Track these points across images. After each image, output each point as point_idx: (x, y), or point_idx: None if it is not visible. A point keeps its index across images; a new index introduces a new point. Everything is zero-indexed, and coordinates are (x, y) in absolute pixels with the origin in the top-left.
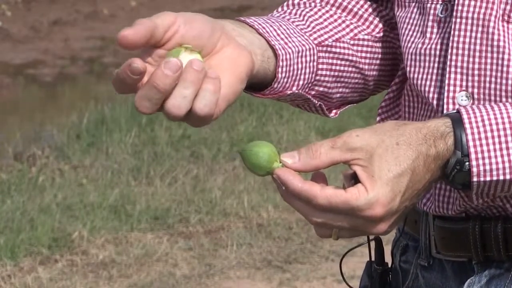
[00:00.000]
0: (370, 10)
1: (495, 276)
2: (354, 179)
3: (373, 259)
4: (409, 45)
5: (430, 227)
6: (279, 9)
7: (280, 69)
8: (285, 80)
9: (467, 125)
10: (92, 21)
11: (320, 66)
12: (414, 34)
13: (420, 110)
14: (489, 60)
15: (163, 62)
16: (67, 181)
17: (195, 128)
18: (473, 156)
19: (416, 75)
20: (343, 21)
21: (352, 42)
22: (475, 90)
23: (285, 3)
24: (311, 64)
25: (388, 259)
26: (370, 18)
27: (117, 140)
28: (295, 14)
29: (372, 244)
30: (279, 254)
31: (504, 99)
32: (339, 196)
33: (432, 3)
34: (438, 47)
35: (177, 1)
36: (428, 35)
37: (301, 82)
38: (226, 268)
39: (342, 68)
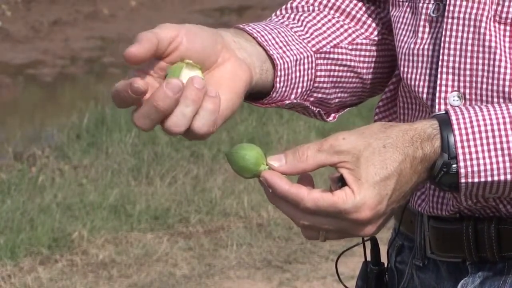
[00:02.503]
0: (368, 12)
1: (488, 277)
2: (341, 182)
3: (369, 259)
4: (402, 44)
5: (425, 228)
6: (278, 12)
7: (278, 79)
8: (283, 89)
9: (455, 126)
10: (92, 21)
11: (318, 73)
12: (407, 33)
13: (415, 111)
14: (480, 61)
15: (164, 82)
16: (67, 181)
17: None
18: (461, 157)
19: (409, 75)
20: (341, 26)
21: (350, 47)
22: (467, 91)
23: (284, 7)
24: (309, 71)
25: (384, 259)
26: (368, 21)
27: (117, 140)
28: (294, 19)
29: (368, 244)
30: (279, 254)
31: (495, 99)
32: (326, 199)
33: (424, 3)
34: (430, 47)
35: (176, 1)
36: (420, 35)
37: (299, 90)
38: (226, 268)
39: (340, 73)
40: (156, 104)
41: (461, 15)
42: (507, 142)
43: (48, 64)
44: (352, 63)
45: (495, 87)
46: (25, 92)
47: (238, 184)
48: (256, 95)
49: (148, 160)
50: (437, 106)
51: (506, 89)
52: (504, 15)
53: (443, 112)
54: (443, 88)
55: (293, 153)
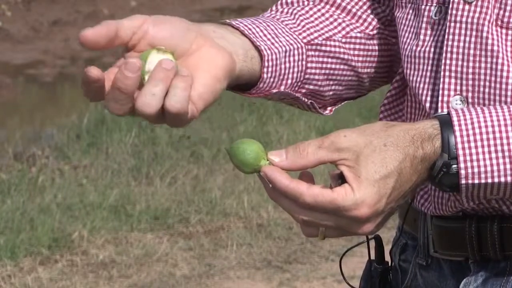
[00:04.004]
0: (364, 7)
1: (491, 276)
2: (341, 179)
3: (373, 258)
4: (405, 46)
5: (428, 226)
6: (273, 7)
7: (265, 69)
8: (271, 80)
9: (456, 127)
10: (92, 21)
11: (309, 65)
12: (410, 35)
13: (422, 110)
14: (483, 65)
15: (123, 63)
16: (67, 181)
17: (195, 128)
18: (461, 158)
19: (412, 78)
20: (335, 19)
21: (344, 40)
22: (470, 94)
23: (279, 2)
24: (300, 63)
25: (387, 258)
26: (364, 16)
27: (117, 140)
28: (287, 13)
29: (372, 243)
30: (279, 254)
31: (498, 103)
32: (326, 196)
33: (426, 5)
34: (432, 49)
35: (176, 1)
36: (422, 37)
37: (289, 81)
38: (226, 268)
39: (333, 66)
40: (117, 86)
41: (464, 19)
42: (508, 144)
43: (48, 64)
44: (346, 56)
45: (497, 91)
46: (25, 92)
47: (238, 184)
48: (244, 86)
49: (148, 160)
50: (439, 110)
51: (509, 93)
52: (506, 19)
53: (445, 112)
54: (446, 92)
55: (294, 149)
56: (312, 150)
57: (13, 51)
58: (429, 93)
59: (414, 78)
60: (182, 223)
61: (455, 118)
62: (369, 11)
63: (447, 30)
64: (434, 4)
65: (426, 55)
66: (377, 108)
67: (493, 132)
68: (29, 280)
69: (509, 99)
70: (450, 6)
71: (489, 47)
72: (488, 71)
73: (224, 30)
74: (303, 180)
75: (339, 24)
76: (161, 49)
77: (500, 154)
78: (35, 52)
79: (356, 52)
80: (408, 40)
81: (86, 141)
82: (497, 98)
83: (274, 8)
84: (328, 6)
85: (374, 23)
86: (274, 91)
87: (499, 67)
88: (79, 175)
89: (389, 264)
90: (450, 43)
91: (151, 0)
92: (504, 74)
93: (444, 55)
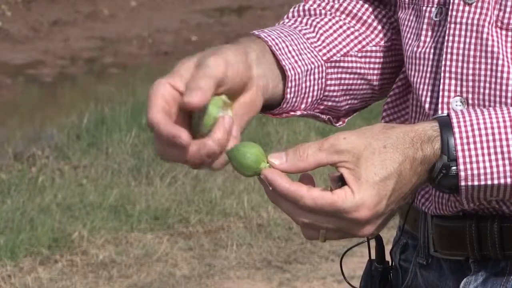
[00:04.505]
0: (379, 17)
1: (491, 275)
2: (340, 181)
3: (373, 257)
4: (407, 47)
5: (429, 226)
6: (290, 15)
7: (288, 90)
8: (294, 99)
9: (456, 129)
10: (92, 21)
11: (328, 82)
12: (411, 36)
13: (425, 110)
14: (483, 66)
15: (202, 144)
16: (67, 181)
17: None
18: (461, 160)
19: (413, 79)
20: (352, 33)
21: (360, 54)
22: (470, 96)
23: (296, 9)
24: (320, 81)
25: (388, 258)
26: (379, 27)
27: (117, 140)
28: (306, 23)
29: (373, 243)
30: (279, 254)
31: (498, 104)
32: (326, 198)
33: (427, 6)
34: (432, 51)
35: (176, 1)
36: (422, 38)
37: (309, 100)
38: (226, 268)
39: (350, 81)
40: (195, 162)
41: (464, 20)
42: (508, 145)
43: (48, 64)
44: (362, 71)
45: (497, 92)
46: (25, 92)
47: (238, 184)
48: (267, 106)
49: (148, 160)
50: (439, 112)
51: (509, 94)
52: (506, 21)
53: (445, 114)
54: (446, 93)
55: (294, 151)
56: (312, 153)
57: (13, 51)
58: (429, 94)
59: (415, 79)
60: (182, 223)
61: (454, 120)
62: (384, 21)
63: (447, 32)
64: (435, 6)
65: (427, 56)
66: (377, 109)
67: (493, 134)
68: (29, 280)
69: (509, 101)
70: (450, 7)
71: (489, 49)
72: (488, 73)
73: (261, 54)
74: (304, 182)
75: (356, 37)
76: (226, 102)
77: (499, 156)
78: (35, 52)
79: (371, 66)
80: (410, 41)
81: (86, 141)
82: (497, 99)
83: (291, 15)
84: (344, 16)
85: (389, 34)
86: (298, 113)
87: (499, 68)
88: (79, 175)
89: (390, 264)
90: (450, 44)
91: (151, 0)
92: (504, 75)
93: (444, 56)
